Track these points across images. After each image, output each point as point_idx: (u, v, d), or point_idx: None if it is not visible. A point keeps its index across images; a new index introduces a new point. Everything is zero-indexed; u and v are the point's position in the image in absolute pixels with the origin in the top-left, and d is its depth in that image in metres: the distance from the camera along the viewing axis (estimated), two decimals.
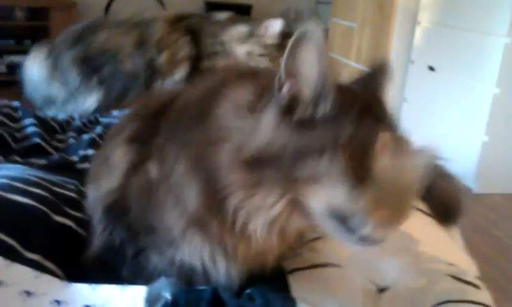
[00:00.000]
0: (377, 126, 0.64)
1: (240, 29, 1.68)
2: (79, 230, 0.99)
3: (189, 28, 1.77)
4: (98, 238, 0.90)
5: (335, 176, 0.61)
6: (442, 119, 3.70)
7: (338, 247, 0.92)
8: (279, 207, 0.67)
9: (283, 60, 0.64)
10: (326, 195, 0.62)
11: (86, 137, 1.54)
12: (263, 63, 1.64)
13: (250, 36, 1.63)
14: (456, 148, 3.48)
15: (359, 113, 0.64)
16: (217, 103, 0.72)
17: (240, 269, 0.80)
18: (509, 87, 3.19)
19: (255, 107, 0.68)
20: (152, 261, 0.84)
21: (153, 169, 0.79)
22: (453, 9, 3.65)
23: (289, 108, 0.65)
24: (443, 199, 1.10)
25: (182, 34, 1.74)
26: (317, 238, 0.94)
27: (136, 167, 0.83)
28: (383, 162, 0.61)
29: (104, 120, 1.78)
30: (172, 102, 0.84)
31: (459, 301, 0.84)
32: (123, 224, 0.85)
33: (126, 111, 1.03)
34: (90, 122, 1.79)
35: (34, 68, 1.89)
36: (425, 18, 3.94)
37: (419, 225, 1.05)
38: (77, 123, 1.75)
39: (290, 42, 0.63)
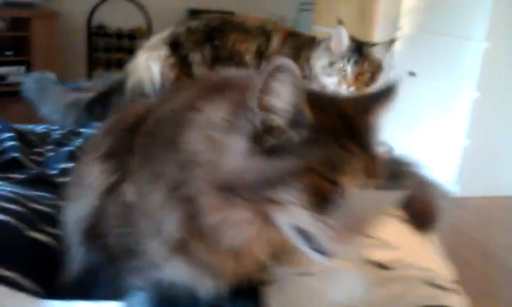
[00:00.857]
0: (350, 155, 0.65)
1: (323, 59, 1.65)
2: (56, 246, 0.99)
3: (296, 45, 1.75)
4: (75, 259, 0.88)
5: (298, 202, 0.64)
6: (424, 124, 3.74)
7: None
8: (252, 224, 0.70)
9: (255, 92, 0.65)
10: (291, 216, 0.66)
11: (65, 150, 1.53)
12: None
13: (330, 65, 1.62)
14: (437, 152, 3.53)
15: (332, 140, 0.65)
16: (188, 125, 0.72)
17: (229, 284, 0.80)
18: (489, 92, 3.24)
19: (229, 126, 0.69)
20: (133, 285, 0.83)
21: (129, 192, 0.78)
22: (433, 15, 3.71)
23: (260, 136, 0.66)
24: (420, 207, 1.11)
25: (289, 51, 1.74)
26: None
27: (111, 188, 0.82)
28: (348, 193, 0.64)
29: (84, 131, 1.77)
30: (146, 117, 0.83)
31: (435, 306, 0.85)
32: (100, 247, 0.84)
33: (104, 124, 1.02)
34: (71, 133, 1.77)
35: (155, 66, 1.74)
36: (406, 24, 3.99)
37: (396, 232, 1.06)
38: (57, 134, 1.73)
39: (263, 74, 0.64)
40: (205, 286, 0.78)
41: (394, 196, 0.68)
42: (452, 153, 3.43)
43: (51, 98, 1.77)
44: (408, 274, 0.94)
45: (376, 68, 1.63)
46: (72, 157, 1.47)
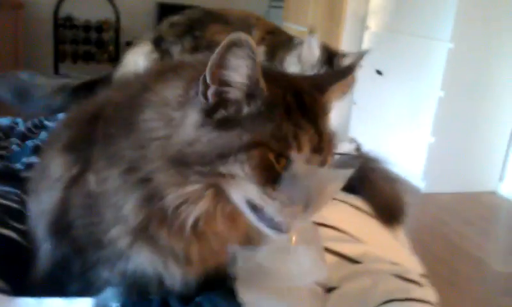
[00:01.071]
0: (300, 130, 0.67)
1: (294, 67, 1.64)
2: (23, 242, 0.96)
3: (273, 44, 1.75)
4: (44, 255, 0.86)
5: (248, 175, 0.65)
6: (390, 121, 3.81)
7: None
8: (207, 198, 0.70)
9: (209, 65, 0.66)
10: (241, 189, 0.67)
11: (30, 144, 1.49)
12: None
13: (301, 65, 1.61)
14: (403, 149, 3.60)
15: (283, 115, 0.67)
16: (144, 105, 0.73)
17: (196, 272, 0.80)
18: (453, 90, 3.33)
19: (183, 102, 0.70)
20: (101, 276, 0.81)
21: (92, 181, 0.78)
22: (400, 15, 3.78)
23: (213, 109, 0.67)
24: (386, 201, 1.14)
25: (265, 48, 1.73)
26: None
27: (75, 179, 0.81)
28: (296, 167, 0.65)
29: (49, 124, 1.73)
30: (106, 107, 0.82)
31: (404, 300, 0.87)
32: (67, 239, 0.82)
33: (65, 116, 1.00)
34: (35, 127, 1.73)
35: (140, 61, 1.79)
36: (373, 23, 4.05)
37: (364, 226, 1.08)
38: (21, 128, 1.69)
39: (219, 49, 0.65)
40: (172, 274, 0.78)
41: (341, 174, 0.69)
42: (418, 150, 3.51)
43: (37, 89, 1.76)
44: (376, 268, 0.97)
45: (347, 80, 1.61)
46: (36, 150, 1.43)
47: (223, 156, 0.65)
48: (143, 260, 0.77)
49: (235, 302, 0.81)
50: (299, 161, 0.65)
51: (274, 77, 0.71)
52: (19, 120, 1.78)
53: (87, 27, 5.52)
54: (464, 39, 3.25)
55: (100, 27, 5.56)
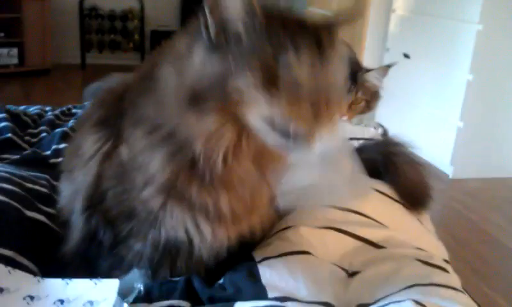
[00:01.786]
0: (296, 34, 0.67)
1: None
2: (52, 225, 0.99)
3: None
4: (76, 231, 0.89)
5: (253, 89, 0.66)
6: (418, 106, 3.75)
7: (307, 235, 0.94)
8: (229, 130, 0.72)
9: None
10: (253, 108, 0.68)
11: (58, 130, 1.53)
12: None
13: None
14: (431, 134, 3.54)
15: (280, 26, 0.68)
16: (158, 66, 0.76)
17: (228, 233, 0.82)
18: (482, 74, 3.25)
19: (191, 45, 0.72)
20: (132, 249, 0.84)
21: (123, 151, 0.80)
22: None
23: (215, 36, 0.69)
24: (411, 185, 1.12)
25: None
26: (286, 228, 0.96)
27: (108, 153, 0.83)
28: (295, 66, 0.66)
29: (77, 111, 1.76)
30: (131, 83, 0.85)
31: (427, 285, 0.86)
32: (99, 211, 0.85)
33: (95, 97, 1.02)
34: (63, 114, 1.77)
35: None
36: (399, 6, 3.98)
37: (388, 211, 1.07)
38: (50, 115, 1.73)
39: None
40: (203, 236, 0.80)
41: (344, 63, 0.71)
42: (446, 135, 3.45)
43: None
44: (400, 253, 0.96)
45: (372, 96, 1.53)
46: (65, 137, 1.47)
47: (229, 75, 0.67)
48: (174, 222, 0.79)
49: (258, 284, 0.82)
50: (298, 64, 0.66)
51: (274, 6, 0.73)
52: (48, 108, 1.82)
53: (112, 16, 5.59)
54: (493, 20, 3.16)
55: (125, 17, 5.62)
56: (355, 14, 0.81)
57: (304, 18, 0.73)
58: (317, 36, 0.70)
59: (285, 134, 0.68)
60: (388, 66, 1.51)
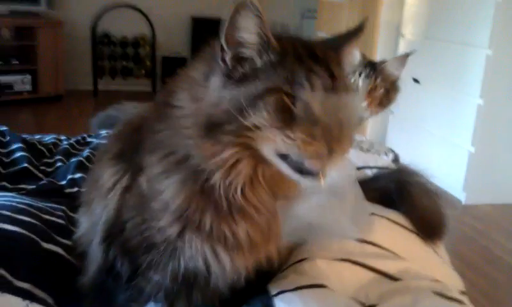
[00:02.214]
0: (311, 73, 0.69)
1: None
2: (68, 257, 1.00)
3: None
4: (94, 263, 0.90)
5: (268, 121, 0.68)
6: (428, 131, 3.74)
7: (323, 267, 0.94)
8: (245, 161, 0.73)
9: (223, 30, 0.71)
10: (268, 140, 0.69)
11: (73, 160, 1.55)
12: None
13: None
14: (443, 160, 3.53)
15: (296, 61, 0.70)
16: (174, 94, 0.78)
17: (246, 262, 0.82)
18: (492, 98, 3.24)
19: (208, 74, 0.74)
20: (151, 280, 0.84)
21: (143, 182, 0.81)
22: (435, 22, 3.72)
23: (231, 70, 0.72)
24: (426, 216, 1.12)
25: None
26: (302, 260, 0.96)
27: (128, 185, 0.84)
28: (311, 102, 0.68)
29: (92, 140, 1.78)
30: (148, 114, 0.87)
31: None
32: (118, 243, 0.85)
33: (113, 130, 1.04)
34: (78, 143, 1.79)
35: None
36: (408, 31, 4.00)
37: (404, 242, 1.07)
38: (65, 145, 1.75)
39: (228, 15, 0.69)
40: (222, 264, 0.80)
41: (357, 100, 0.71)
42: (458, 160, 3.42)
43: None
44: (416, 285, 0.95)
45: (391, 85, 1.53)
46: (80, 167, 1.49)
47: (245, 109, 0.68)
48: (193, 252, 0.79)
49: None
50: (314, 100, 0.68)
51: (286, 37, 0.75)
52: (63, 137, 1.84)
53: (124, 43, 5.67)
54: (502, 45, 3.17)
55: (136, 43, 5.69)
56: (358, 31, 0.83)
57: (315, 47, 0.75)
58: (329, 68, 0.72)
59: (299, 170, 0.70)
60: (407, 55, 1.52)
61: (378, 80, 1.49)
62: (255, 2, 0.68)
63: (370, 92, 1.49)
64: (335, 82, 0.71)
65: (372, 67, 1.50)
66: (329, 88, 0.69)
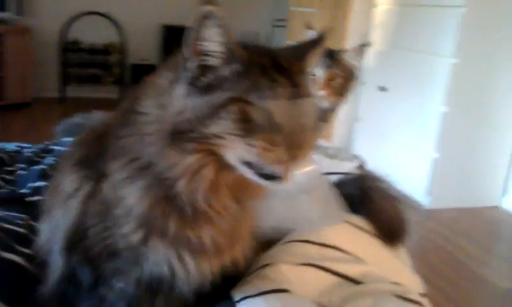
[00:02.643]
0: (275, 83, 0.70)
1: None
2: (29, 266, 0.98)
3: None
4: (54, 271, 0.88)
5: (230, 130, 0.69)
6: (394, 137, 3.82)
7: (286, 272, 0.94)
8: (208, 166, 0.73)
9: (187, 39, 0.71)
10: (231, 148, 0.71)
11: (35, 168, 1.52)
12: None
13: None
14: (408, 166, 3.60)
15: (259, 72, 0.71)
16: (139, 100, 0.78)
17: (211, 265, 0.82)
18: (457, 106, 3.33)
19: (173, 82, 0.75)
20: (114, 288, 0.83)
21: (106, 188, 0.81)
22: (403, 32, 3.81)
23: (195, 78, 0.72)
24: (387, 220, 1.14)
25: None
26: (265, 265, 0.96)
27: (90, 191, 0.83)
28: (273, 111, 0.69)
29: (55, 148, 1.75)
30: (113, 121, 0.86)
31: None
32: (80, 251, 0.84)
33: (77, 137, 1.03)
34: (42, 151, 1.76)
35: None
36: (376, 40, 4.08)
37: (366, 246, 1.09)
38: (27, 153, 1.72)
39: (192, 23, 0.70)
40: (187, 268, 0.80)
41: (316, 107, 0.74)
42: (422, 166, 3.50)
43: None
44: (377, 288, 0.97)
45: (349, 75, 1.55)
46: (43, 175, 1.46)
47: (208, 117, 0.69)
48: (158, 258, 0.79)
49: None
50: (276, 109, 0.69)
51: (252, 47, 0.76)
52: (25, 145, 1.81)
53: (93, 50, 5.61)
54: (467, 54, 3.26)
55: (105, 50, 5.64)
56: (321, 40, 0.84)
57: (279, 57, 0.75)
58: (292, 78, 0.73)
59: (262, 175, 0.71)
60: (363, 46, 1.54)
61: (336, 69, 1.51)
62: (220, 13, 0.69)
63: (328, 82, 1.50)
64: (296, 91, 0.72)
65: (330, 57, 1.50)
66: (291, 96, 0.71)
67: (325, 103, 1.49)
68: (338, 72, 1.51)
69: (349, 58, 1.54)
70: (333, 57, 1.51)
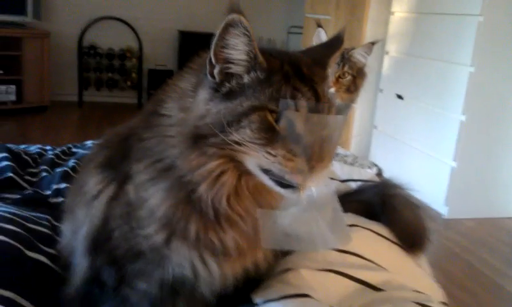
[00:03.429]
0: (296, 91, 0.71)
1: None
2: (53, 266, 0.99)
3: None
4: (79, 272, 0.89)
5: (251, 138, 0.70)
6: (411, 146, 3.79)
7: (307, 277, 0.95)
8: (229, 172, 0.75)
9: (212, 46, 0.72)
10: (251, 155, 0.71)
11: (58, 170, 1.54)
12: None
13: None
14: (425, 175, 3.57)
15: (281, 80, 0.72)
16: (163, 102, 0.79)
17: (234, 268, 0.83)
18: (474, 114, 3.30)
19: (196, 86, 0.76)
20: (138, 289, 0.84)
21: (130, 190, 0.82)
22: (419, 40, 3.79)
23: (219, 84, 0.73)
24: (408, 228, 1.14)
25: None
26: (286, 270, 0.96)
27: (115, 193, 0.85)
28: (295, 121, 0.69)
29: (77, 151, 1.78)
30: (137, 123, 0.87)
31: None
32: (105, 252, 0.85)
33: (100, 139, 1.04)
34: (63, 153, 1.78)
35: None
36: (393, 48, 4.07)
37: (387, 253, 1.08)
38: (50, 155, 1.74)
39: (218, 31, 0.71)
40: (210, 270, 0.80)
41: (339, 120, 0.73)
42: (440, 175, 3.47)
43: None
44: (398, 296, 0.97)
45: (358, 72, 1.59)
46: (65, 177, 1.48)
47: (230, 124, 0.70)
48: (181, 259, 0.79)
49: None
50: (297, 119, 0.69)
51: (274, 53, 0.77)
52: (48, 147, 1.83)
53: (110, 55, 5.66)
54: (485, 62, 3.24)
55: (123, 55, 5.69)
56: (339, 43, 0.86)
57: (301, 64, 0.76)
58: (313, 87, 0.73)
59: (280, 183, 0.71)
60: (373, 44, 1.57)
61: (346, 67, 1.54)
62: (244, 21, 0.70)
63: (338, 79, 1.54)
64: (318, 101, 0.72)
65: (339, 54, 1.53)
66: (312, 107, 0.71)
67: (336, 101, 1.52)
68: (347, 70, 1.55)
69: (358, 55, 1.57)
70: (342, 55, 1.54)
